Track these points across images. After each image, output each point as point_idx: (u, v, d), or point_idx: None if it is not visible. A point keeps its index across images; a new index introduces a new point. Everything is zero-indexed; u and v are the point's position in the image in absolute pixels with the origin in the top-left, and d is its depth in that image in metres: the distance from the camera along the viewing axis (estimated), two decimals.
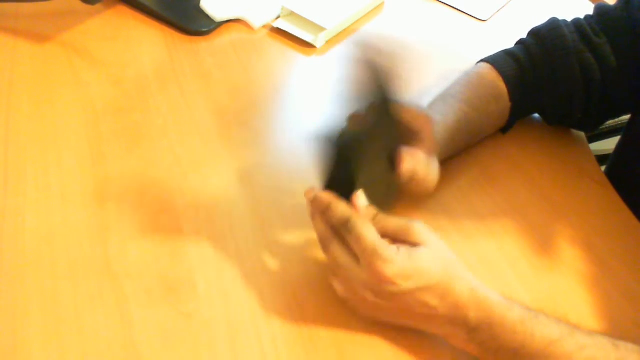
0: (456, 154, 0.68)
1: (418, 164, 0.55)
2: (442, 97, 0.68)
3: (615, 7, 0.66)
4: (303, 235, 0.60)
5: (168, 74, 0.77)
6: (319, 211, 0.52)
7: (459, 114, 0.65)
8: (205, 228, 0.60)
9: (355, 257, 0.49)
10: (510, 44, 0.74)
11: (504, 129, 0.72)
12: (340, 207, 0.50)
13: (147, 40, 0.82)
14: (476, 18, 0.93)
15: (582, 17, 0.69)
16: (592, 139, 1.00)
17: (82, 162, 0.65)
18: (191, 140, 0.69)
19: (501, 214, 0.64)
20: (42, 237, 0.58)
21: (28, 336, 0.51)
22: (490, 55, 0.72)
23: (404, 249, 0.48)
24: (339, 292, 0.52)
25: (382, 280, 0.47)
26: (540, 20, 0.71)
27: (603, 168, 0.74)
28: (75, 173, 0.64)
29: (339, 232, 0.50)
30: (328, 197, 0.51)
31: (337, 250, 0.50)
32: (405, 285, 0.47)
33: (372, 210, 0.51)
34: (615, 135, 0.99)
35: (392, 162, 0.54)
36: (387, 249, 0.47)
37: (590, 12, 0.69)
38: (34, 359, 0.49)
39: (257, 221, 0.61)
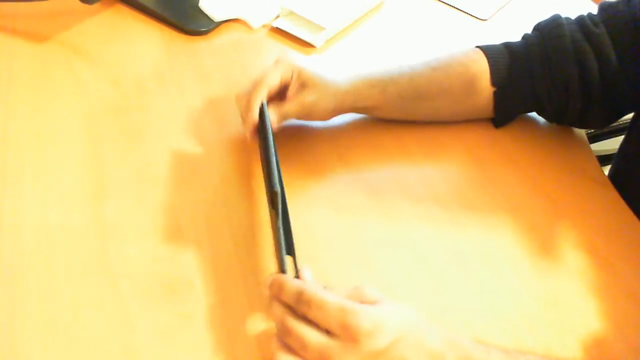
0: (414, 111, 0.71)
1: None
2: None
3: (617, 2, 0.66)
4: (304, 237, 0.59)
5: (167, 74, 0.77)
6: (274, 297, 0.49)
7: (404, 70, 0.69)
8: (204, 228, 0.60)
9: (323, 331, 0.46)
10: None
11: (497, 122, 0.72)
12: (291, 283, 0.48)
13: (145, 40, 0.82)
14: (476, 17, 0.93)
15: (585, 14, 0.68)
16: (594, 139, 0.99)
17: (80, 162, 0.65)
18: (190, 140, 0.69)
19: (500, 212, 0.64)
20: (40, 238, 0.58)
21: (26, 337, 0.51)
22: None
23: (366, 304, 0.46)
24: None
25: (361, 335, 0.44)
26: (540, 19, 0.70)
27: (606, 168, 0.74)
28: (73, 173, 0.64)
29: (298, 313, 0.47)
30: (280, 278, 0.49)
31: (304, 329, 0.46)
32: (382, 338, 0.45)
33: (319, 284, 0.49)
34: (618, 135, 0.99)
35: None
36: (354, 303, 0.46)
37: (593, 12, 0.69)
38: None
39: (256, 221, 0.61)
